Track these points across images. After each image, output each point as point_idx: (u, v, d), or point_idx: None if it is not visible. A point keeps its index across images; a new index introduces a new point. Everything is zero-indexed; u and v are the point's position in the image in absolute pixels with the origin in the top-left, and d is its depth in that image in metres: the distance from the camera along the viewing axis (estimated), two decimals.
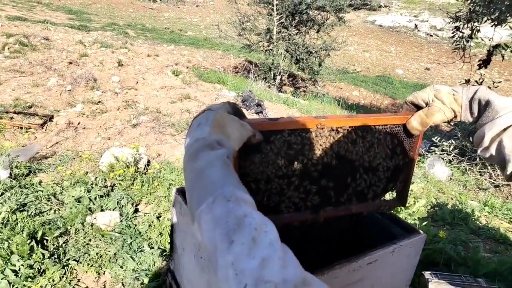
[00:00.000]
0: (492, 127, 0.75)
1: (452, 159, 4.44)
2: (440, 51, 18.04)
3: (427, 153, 4.61)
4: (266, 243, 0.50)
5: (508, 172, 0.75)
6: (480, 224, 3.09)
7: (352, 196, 0.99)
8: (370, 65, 15.74)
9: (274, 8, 7.52)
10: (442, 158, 4.40)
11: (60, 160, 3.60)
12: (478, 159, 4.39)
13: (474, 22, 4.08)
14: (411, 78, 14.77)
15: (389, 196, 1.10)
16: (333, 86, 11.41)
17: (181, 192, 1.59)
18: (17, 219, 2.46)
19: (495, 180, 4.19)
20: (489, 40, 4.23)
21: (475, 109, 0.81)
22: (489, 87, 4.96)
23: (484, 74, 4.58)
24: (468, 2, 3.88)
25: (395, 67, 15.77)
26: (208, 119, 0.69)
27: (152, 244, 2.48)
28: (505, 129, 0.73)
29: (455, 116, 0.85)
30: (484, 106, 0.79)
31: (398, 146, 0.98)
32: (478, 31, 4.46)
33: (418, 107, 0.91)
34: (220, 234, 0.52)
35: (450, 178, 4.17)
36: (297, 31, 8.09)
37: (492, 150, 0.76)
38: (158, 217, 2.76)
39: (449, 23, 4.37)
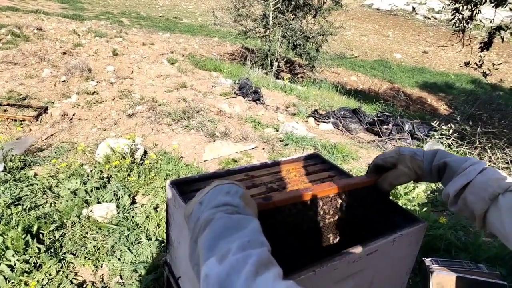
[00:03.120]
0: (453, 186, 0.83)
1: (452, 143, 4.40)
2: (438, 34, 17.85)
3: (426, 137, 4.57)
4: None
5: (477, 227, 0.84)
6: None
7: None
8: (368, 49, 15.59)
9: None
10: (441, 142, 4.36)
11: (55, 152, 3.56)
12: (477, 142, 4.36)
13: (473, 3, 3.99)
14: (409, 62, 14.65)
15: None
16: (331, 71, 11.30)
17: (175, 184, 1.55)
18: (12, 213, 2.42)
19: (494, 163, 4.16)
20: (490, 22, 4.15)
21: (435, 174, 0.91)
22: (489, 70, 4.90)
23: (483, 56, 4.51)
24: None
25: (393, 51, 15.63)
26: (238, 192, 0.71)
27: (149, 235, 2.45)
28: (466, 186, 0.81)
29: (419, 177, 0.95)
30: (443, 168, 0.88)
31: (372, 201, 1.12)
32: (479, 11, 4.37)
33: (385, 169, 1.02)
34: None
35: None
36: (294, 16, 7.95)
37: (460, 205, 0.83)
38: (155, 208, 2.73)
39: (449, 5, 4.29)
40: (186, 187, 1.68)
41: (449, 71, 14.12)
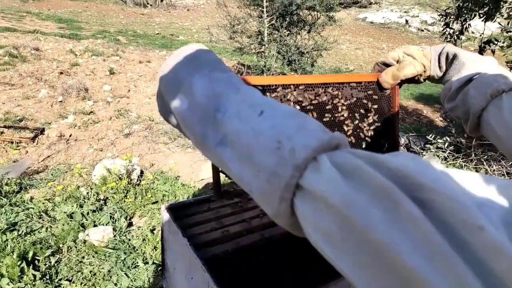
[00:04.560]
0: (459, 77, 0.77)
1: (448, 156, 4.42)
2: (432, 46, 18.05)
3: (422, 151, 4.59)
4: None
5: (469, 129, 0.77)
6: None
7: None
8: (363, 62, 15.74)
9: (264, 10, 7.48)
10: (438, 156, 4.38)
11: (52, 175, 3.55)
12: (473, 155, 4.37)
13: (463, 18, 4.07)
14: None
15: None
16: None
17: (170, 209, 1.56)
18: (7, 239, 2.41)
19: (491, 175, 4.17)
20: (480, 35, 4.21)
21: (443, 63, 0.84)
22: None
23: None
24: None
25: None
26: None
27: (146, 259, 2.44)
28: (471, 80, 0.75)
29: (425, 71, 0.87)
30: (452, 60, 0.82)
31: (376, 103, 1.00)
32: (469, 25, 4.44)
33: (388, 67, 0.94)
34: (224, 86, 0.50)
35: None
36: (288, 32, 8.05)
37: (458, 101, 0.78)
38: (152, 230, 2.72)
39: (439, 20, 4.36)
40: (181, 212, 1.69)
41: None
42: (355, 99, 0.97)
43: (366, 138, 1.01)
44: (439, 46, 0.86)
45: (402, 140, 4.67)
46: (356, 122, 0.98)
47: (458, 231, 0.29)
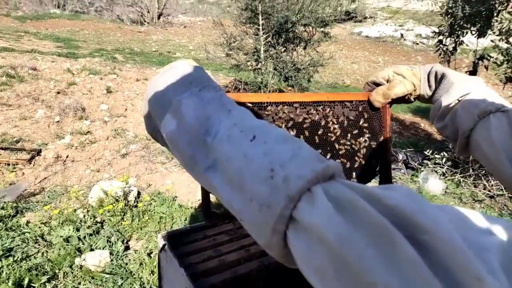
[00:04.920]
0: (447, 98, 0.78)
1: (446, 171, 4.42)
2: (427, 59, 18.27)
3: (420, 166, 4.60)
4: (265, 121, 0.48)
5: (457, 149, 0.77)
6: None
7: None
8: (360, 76, 15.87)
9: (260, 27, 7.57)
10: (436, 171, 4.38)
11: (48, 197, 3.53)
12: (471, 170, 4.38)
13: (456, 35, 4.12)
14: None
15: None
16: None
17: (166, 238, 1.54)
18: (2, 266, 2.38)
19: (489, 190, 4.17)
20: (473, 52, 4.27)
21: (432, 82, 0.84)
22: None
23: None
24: (448, 16, 3.92)
25: None
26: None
27: (143, 284, 2.40)
28: (459, 100, 0.76)
29: (415, 90, 0.88)
30: (440, 79, 0.82)
31: (366, 122, 0.99)
32: (462, 42, 4.51)
33: (379, 86, 0.95)
34: (214, 108, 0.48)
35: (445, 192, 4.15)
36: (284, 48, 8.14)
37: (447, 120, 0.78)
38: (149, 254, 2.68)
39: (433, 37, 4.42)
40: (178, 240, 1.67)
41: None
42: (346, 118, 0.97)
43: (358, 158, 1.00)
44: (428, 65, 0.88)
45: (400, 156, 4.68)
46: (348, 141, 0.98)
47: (456, 278, 0.29)
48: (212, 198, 0.94)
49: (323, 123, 0.94)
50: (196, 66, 0.58)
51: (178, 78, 0.54)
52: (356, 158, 0.99)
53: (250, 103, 0.85)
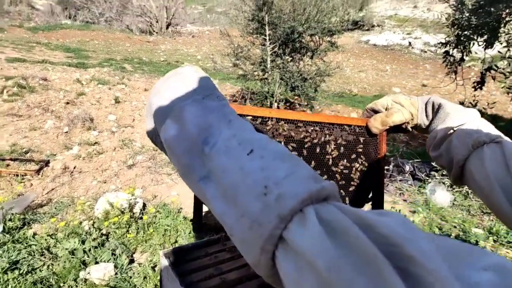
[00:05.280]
0: (443, 127, 0.79)
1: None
2: (436, 67, 18.17)
3: (427, 178, 4.55)
4: (265, 135, 0.47)
5: (452, 178, 0.78)
6: None
7: None
8: (367, 85, 15.83)
9: (267, 38, 7.62)
10: (443, 183, 4.33)
11: (55, 208, 3.56)
12: None
13: (462, 46, 4.10)
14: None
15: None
16: (330, 109, 11.45)
17: (168, 256, 1.54)
18: (8, 279, 2.40)
19: None
20: (481, 62, 4.24)
21: (430, 112, 0.86)
22: (484, 108, 4.95)
23: (478, 96, 4.57)
24: (455, 27, 3.91)
25: (391, 86, 15.86)
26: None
27: None
28: (454, 130, 0.77)
29: (412, 119, 0.89)
30: (437, 109, 0.84)
31: (363, 147, 1.01)
32: (470, 52, 4.48)
33: (377, 113, 0.97)
34: (216, 117, 0.48)
35: (453, 204, 4.09)
36: (291, 58, 8.17)
37: (442, 150, 0.79)
38: (153, 267, 2.69)
39: (440, 48, 4.41)
40: (180, 257, 1.67)
41: None
42: (344, 141, 0.98)
43: (353, 182, 1.01)
44: (425, 96, 0.89)
45: (407, 167, 4.64)
46: (344, 164, 0.99)
47: None
48: (205, 208, 0.94)
49: (321, 143, 0.95)
50: (201, 73, 0.58)
51: (182, 84, 0.54)
52: (350, 181, 1.00)
53: (252, 116, 0.86)
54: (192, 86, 0.53)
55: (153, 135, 0.57)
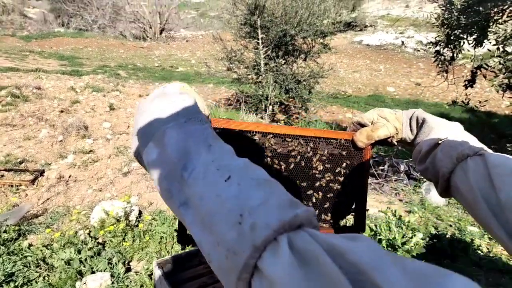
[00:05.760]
0: (427, 142, 0.80)
1: None
2: (429, 65, 18.27)
3: (422, 177, 4.57)
4: (246, 159, 0.47)
5: (439, 190, 0.79)
6: (481, 254, 3.01)
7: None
8: (361, 85, 15.90)
9: (260, 41, 7.65)
10: None
11: (51, 218, 3.55)
12: None
13: (453, 45, 4.13)
14: (403, 95, 14.90)
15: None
16: (325, 110, 11.48)
17: (161, 266, 1.54)
18: None
19: None
20: (471, 60, 4.27)
21: (414, 126, 0.87)
22: (476, 107, 4.98)
23: (470, 94, 4.61)
24: (445, 27, 3.94)
25: (386, 85, 15.93)
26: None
27: None
28: (439, 144, 0.78)
29: (397, 133, 0.91)
30: (421, 124, 0.85)
31: (348, 161, 1.02)
32: (461, 50, 4.51)
33: (363, 127, 0.98)
34: (196, 142, 0.48)
35: (448, 202, 4.11)
36: (284, 61, 8.20)
37: (428, 163, 0.80)
38: (150, 275, 2.68)
39: (430, 47, 4.44)
40: (173, 267, 1.66)
41: (443, 101, 14.34)
42: (330, 154, 0.99)
43: (338, 194, 1.02)
44: (410, 110, 0.90)
45: (402, 167, 4.66)
46: (329, 176, 1.00)
47: None
48: None
49: (307, 157, 0.96)
50: (186, 94, 0.58)
51: (166, 106, 0.54)
52: (335, 194, 1.01)
53: (238, 130, 0.87)
54: (175, 109, 0.54)
55: (138, 155, 0.58)
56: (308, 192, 0.97)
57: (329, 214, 1.02)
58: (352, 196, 1.05)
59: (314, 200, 0.99)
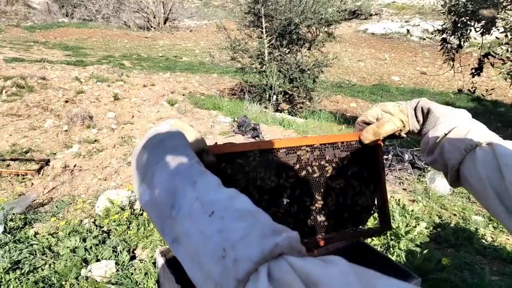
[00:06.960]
0: (434, 133, 0.79)
1: None
2: (435, 54, 18.05)
3: (426, 166, 4.55)
4: (231, 189, 0.49)
5: (449, 181, 0.79)
6: (486, 243, 3.00)
7: (328, 222, 0.97)
8: (366, 74, 15.77)
9: (264, 30, 7.59)
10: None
11: (56, 207, 3.58)
12: None
13: (460, 33, 4.07)
14: (408, 84, 14.77)
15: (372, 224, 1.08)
16: (330, 100, 11.42)
17: (164, 255, 1.55)
18: (9, 279, 2.42)
19: None
20: (479, 48, 4.21)
21: (420, 116, 0.86)
22: (483, 95, 4.92)
23: (477, 82, 4.55)
24: (452, 14, 3.87)
25: (391, 74, 15.79)
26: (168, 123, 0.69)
27: None
28: (446, 134, 0.77)
29: (404, 126, 0.89)
30: (427, 114, 0.84)
31: (359, 161, 1.00)
32: (468, 38, 4.45)
33: (368, 125, 0.96)
34: (182, 180, 0.50)
35: (453, 191, 4.09)
36: (288, 50, 8.14)
37: (436, 155, 0.79)
38: (154, 263, 2.70)
39: (436, 35, 4.38)
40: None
41: (448, 90, 14.19)
42: (338, 158, 0.97)
43: (353, 196, 1.00)
44: (414, 101, 0.89)
45: (406, 156, 4.64)
46: (341, 183, 0.97)
47: None
48: None
49: (314, 166, 0.94)
50: (174, 132, 0.61)
51: (156, 146, 0.58)
52: (349, 197, 0.99)
53: (238, 152, 0.84)
54: (164, 149, 0.57)
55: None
56: (321, 203, 0.95)
57: (350, 221, 1.00)
58: (370, 196, 1.03)
59: (328, 210, 0.96)
